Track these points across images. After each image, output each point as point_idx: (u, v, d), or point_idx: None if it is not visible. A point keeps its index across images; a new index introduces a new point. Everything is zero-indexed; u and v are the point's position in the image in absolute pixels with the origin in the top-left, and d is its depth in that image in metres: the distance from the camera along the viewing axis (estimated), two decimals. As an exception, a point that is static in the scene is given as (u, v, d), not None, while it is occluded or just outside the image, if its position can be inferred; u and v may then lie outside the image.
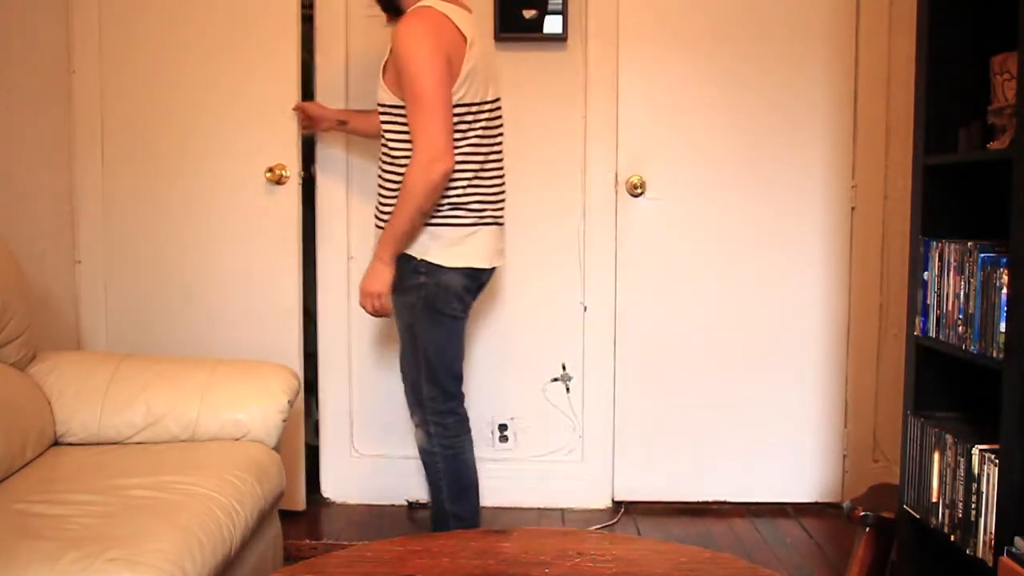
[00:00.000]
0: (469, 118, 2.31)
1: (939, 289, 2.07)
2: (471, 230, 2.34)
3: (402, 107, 2.28)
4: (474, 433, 3.13)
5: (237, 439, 2.23)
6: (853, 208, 3.08)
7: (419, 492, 3.13)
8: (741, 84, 3.06)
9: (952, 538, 1.98)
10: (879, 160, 3.06)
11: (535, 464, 3.15)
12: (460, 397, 2.47)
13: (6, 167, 2.62)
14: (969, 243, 1.95)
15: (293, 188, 2.95)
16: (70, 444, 2.21)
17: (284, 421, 2.29)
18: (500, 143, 2.42)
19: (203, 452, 2.12)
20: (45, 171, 2.81)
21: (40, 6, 2.77)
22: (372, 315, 2.38)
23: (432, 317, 2.36)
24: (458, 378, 2.45)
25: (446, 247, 2.32)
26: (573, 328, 3.12)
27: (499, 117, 2.42)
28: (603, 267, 3.09)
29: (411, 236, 2.29)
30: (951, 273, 2.02)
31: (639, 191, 3.07)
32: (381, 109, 2.36)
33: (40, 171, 2.79)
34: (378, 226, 2.38)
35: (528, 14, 2.99)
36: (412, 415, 2.48)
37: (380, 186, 2.39)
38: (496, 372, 3.14)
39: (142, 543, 1.57)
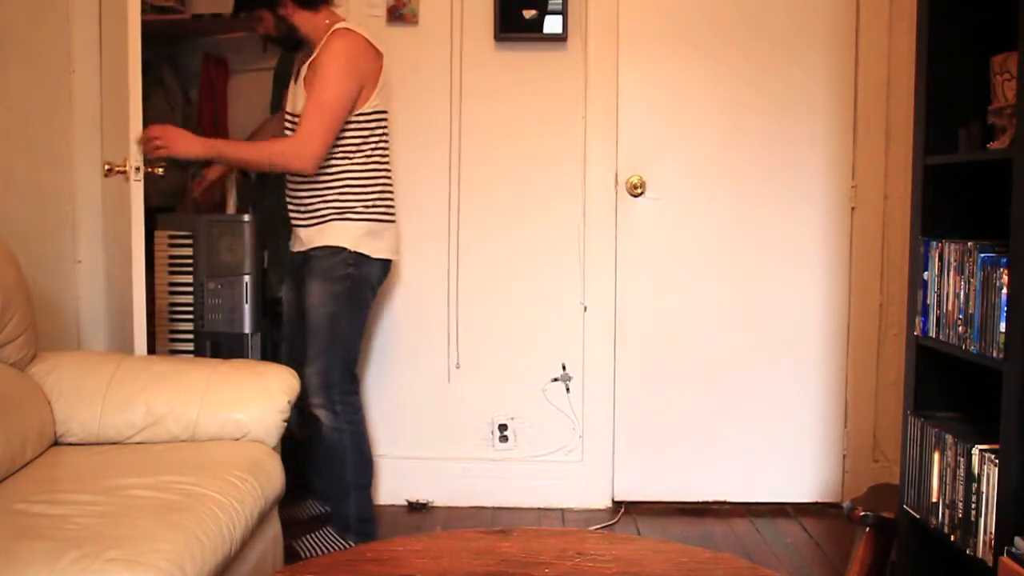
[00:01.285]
0: (385, 123, 2.64)
1: (939, 289, 2.07)
2: (388, 226, 2.65)
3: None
4: (474, 433, 3.16)
5: (237, 439, 2.23)
6: (853, 208, 3.08)
7: (419, 492, 3.13)
8: (741, 84, 3.06)
9: (952, 538, 1.98)
10: (879, 160, 3.05)
11: (535, 464, 3.15)
12: (358, 379, 2.77)
13: (6, 167, 2.62)
14: (969, 243, 1.95)
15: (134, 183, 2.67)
16: (70, 444, 2.20)
17: (284, 421, 2.29)
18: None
19: (203, 452, 2.12)
20: (45, 171, 2.81)
21: (40, 6, 2.77)
22: (144, 148, 2.50)
23: (353, 305, 2.63)
24: (356, 362, 2.74)
25: (374, 240, 2.60)
26: (573, 328, 3.12)
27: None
28: (603, 267, 3.09)
29: (238, 165, 2.77)
30: (951, 273, 2.02)
31: (639, 191, 3.07)
32: (294, 118, 2.58)
33: (40, 171, 2.78)
34: (296, 224, 2.65)
35: (528, 14, 2.99)
36: (314, 398, 2.62)
37: (297, 187, 2.62)
38: (496, 372, 3.14)
39: (142, 543, 1.57)
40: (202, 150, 2.55)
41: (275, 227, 3.58)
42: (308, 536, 2.67)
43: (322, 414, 2.62)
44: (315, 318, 2.61)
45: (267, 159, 2.56)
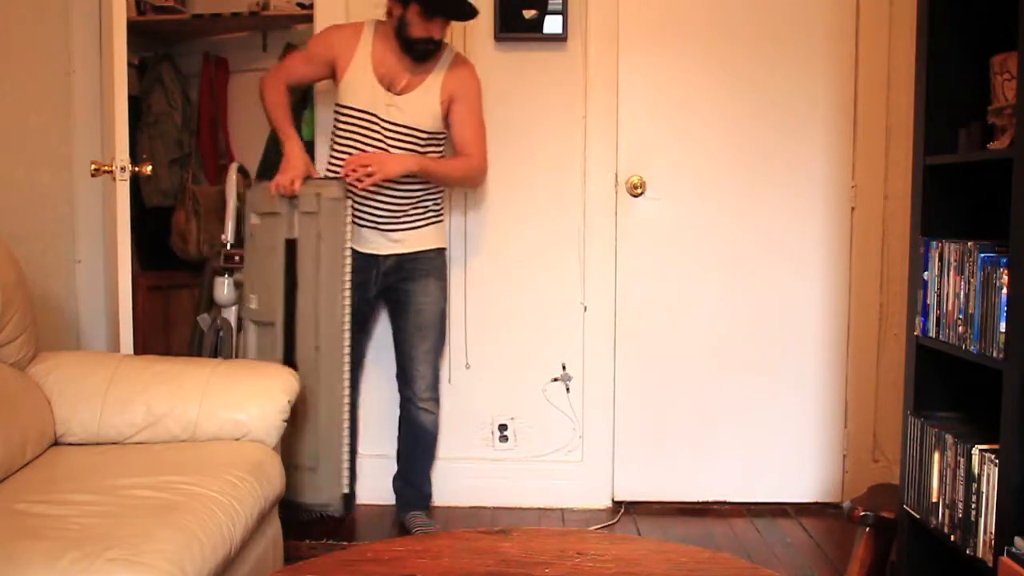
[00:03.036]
0: None
1: (939, 289, 2.07)
2: None
3: (444, 135, 2.76)
4: (475, 433, 3.16)
5: (237, 439, 2.23)
6: (853, 208, 3.08)
7: (419, 492, 3.13)
8: (741, 84, 3.05)
9: (952, 538, 1.98)
10: (879, 160, 3.05)
11: (535, 464, 3.15)
12: None
13: (6, 167, 2.62)
14: (969, 243, 1.95)
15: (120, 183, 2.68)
16: (70, 444, 2.20)
17: (284, 421, 2.29)
18: None
19: (203, 452, 2.12)
20: (45, 171, 2.81)
21: (40, 6, 2.77)
22: (355, 178, 2.57)
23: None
24: None
25: None
26: (573, 328, 3.11)
27: None
28: (603, 267, 3.09)
29: (438, 179, 2.77)
30: (951, 273, 2.02)
31: (639, 191, 3.07)
32: (425, 135, 2.70)
33: (40, 171, 2.78)
34: (394, 228, 2.73)
35: (528, 14, 2.99)
36: (426, 393, 2.86)
37: (401, 193, 2.71)
38: (496, 372, 3.13)
39: (142, 543, 1.57)
40: (413, 164, 2.64)
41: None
42: (418, 530, 2.85)
43: (432, 406, 2.89)
44: (432, 316, 2.82)
45: (462, 174, 2.78)
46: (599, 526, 2.99)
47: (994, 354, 1.84)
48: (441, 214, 2.86)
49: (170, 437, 2.22)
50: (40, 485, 1.87)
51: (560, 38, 3.01)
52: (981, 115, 2.04)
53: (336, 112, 2.75)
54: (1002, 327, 1.81)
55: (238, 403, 2.25)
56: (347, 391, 2.69)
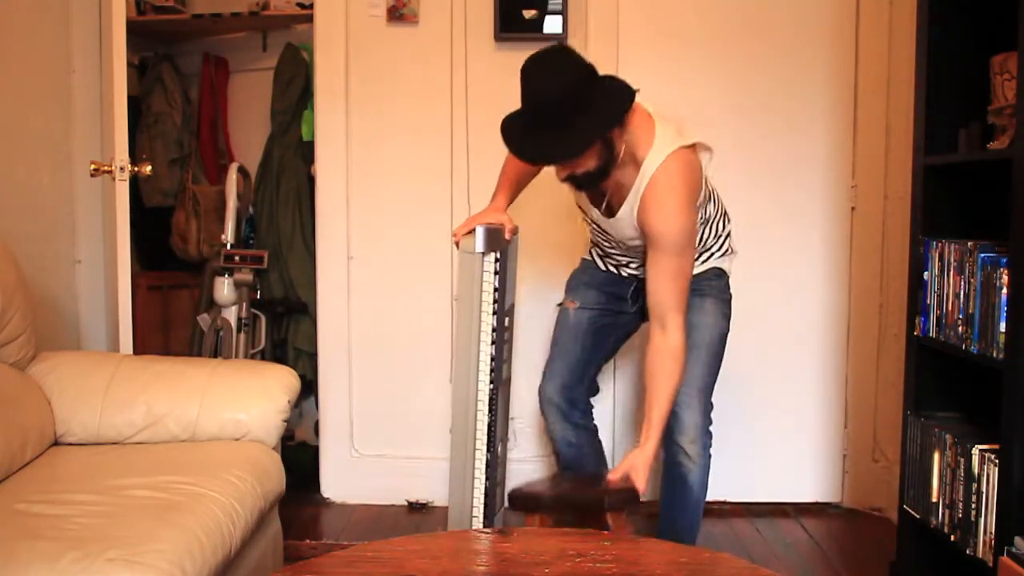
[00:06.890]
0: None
1: (939, 289, 2.07)
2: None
3: None
4: (474, 433, 3.15)
5: (237, 439, 2.23)
6: (853, 208, 3.08)
7: (419, 492, 3.13)
8: (741, 85, 3.05)
9: (952, 538, 1.98)
10: (879, 160, 3.05)
11: (535, 464, 3.15)
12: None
13: (6, 167, 2.62)
14: (969, 243, 1.95)
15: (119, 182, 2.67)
16: (70, 444, 2.20)
17: (284, 421, 2.29)
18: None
19: (203, 452, 2.12)
20: (45, 171, 2.81)
21: (40, 6, 2.77)
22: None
23: None
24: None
25: None
26: (573, 328, 3.11)
27: None
28: (603, 267, 3.08)
29: None
30: (951, 273, 2.02)
31: (639, 191, 3.07)
32: None
33: (40, 171, 2.79)
34: None
35: (528, 14, 2.99)
36: (705, 429, 2.30)
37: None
38: (496, 372, 3.13)
39: (142, 543, 1.57)
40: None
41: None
42: None
43: (697, 452, 2.31)
44: (713, 338, 2.53)
45: None
46: (599, 526, 2.99)
47: (994, 354, 1.84)
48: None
49: (170, 437, 2.22)
50: (40, 485, 1.87)
51: (560, 38, 3.00)
52: (981, 115, 2.04)
53: None
54: (1002, 327, 1.81)
55: (238, 403, 2.25)
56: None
